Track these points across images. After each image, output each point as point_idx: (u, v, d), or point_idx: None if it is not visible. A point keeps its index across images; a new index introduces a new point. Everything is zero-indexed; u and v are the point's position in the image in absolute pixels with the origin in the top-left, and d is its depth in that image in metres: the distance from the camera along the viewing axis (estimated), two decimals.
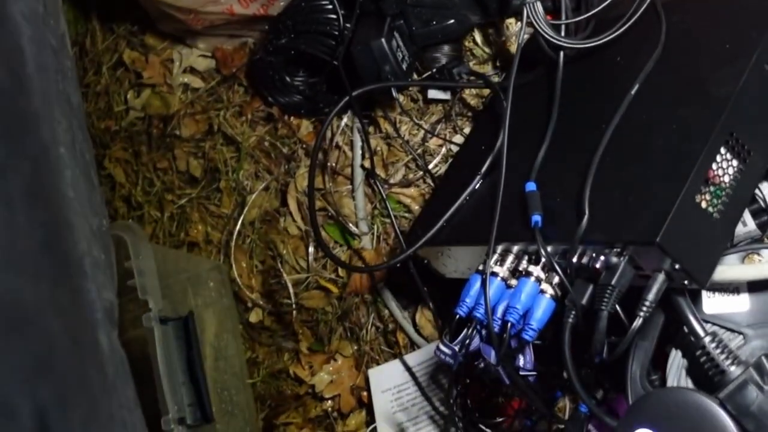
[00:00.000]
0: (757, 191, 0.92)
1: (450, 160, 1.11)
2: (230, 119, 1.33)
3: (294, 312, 1.25)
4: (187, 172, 1.36)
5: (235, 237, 1.30)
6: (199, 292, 1.28)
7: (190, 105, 1.38)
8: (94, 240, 0.83)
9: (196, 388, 1.10)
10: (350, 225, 1.19)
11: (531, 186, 0.85)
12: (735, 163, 0.76)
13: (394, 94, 1.14)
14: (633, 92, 0.84)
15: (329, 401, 1.21)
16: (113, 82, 1.45)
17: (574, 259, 0.79)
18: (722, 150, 0.76)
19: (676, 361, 0.81)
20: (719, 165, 0.75)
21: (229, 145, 1.33)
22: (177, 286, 1.27)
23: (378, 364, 1.16)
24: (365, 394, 1.17)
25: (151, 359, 1.08)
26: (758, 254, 0.82)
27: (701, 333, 0.78)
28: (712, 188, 0.75)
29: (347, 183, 1.21)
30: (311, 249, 1.24)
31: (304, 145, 1.26)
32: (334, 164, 1.22)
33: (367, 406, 1.16)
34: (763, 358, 0.74)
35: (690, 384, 0.80)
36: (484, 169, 0.93)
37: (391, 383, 1.12)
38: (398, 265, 1.03)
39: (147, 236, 1.32)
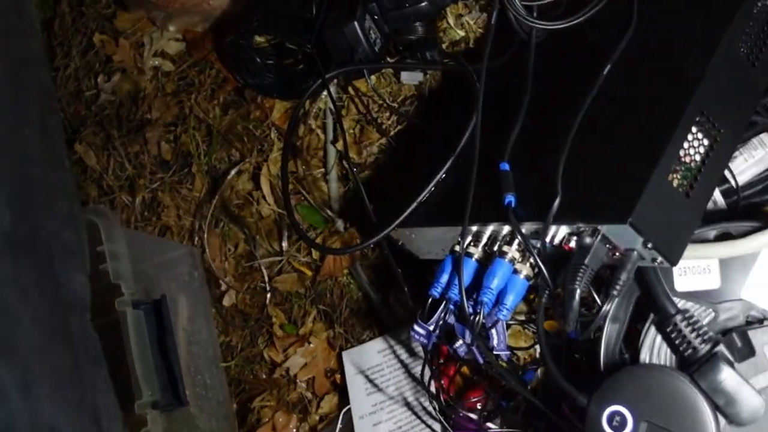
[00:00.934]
0: (727, 171, 0.92)
1: (422, 141, 1.11)
2: (202, 102, 1.32)
3: (268, 295, 1.24)
4: (159, 156, 1.35)
5: (207, 221, 1.29)
6: (172, 277, 1.27)
7: (162, 88, 1.37)
8: (65, 222, 0.82)
9: (169, 372, 1.09)
10: (324, 207, 1.19)
11: (504, 166, 0.85)
12: (706, 142, 0.77)
13: (367, 76, 1.14)
14: (605, 72, 0.85)
15: (303, 384, 1.21)
16: (83, 65, 1.44)
17: (548, 239, 0.79)
18: (693, 129, 0.76)
19: (648, 338, 0.82)
20: (690, 144, 0.76)
21: (201, 128, 1.32)
22: (150, 271, 1.26)
23: (352, 346, 1.16)
24: (339, 376, 1.17)
25: (124, 343, 1.07)
26: (728, 232, 0.82)
27: (672, 310, 0.79)
28: (683, 167, 0.76)
29: (320, 166, 1.21)
30: (285, 232, 1.23)
31: (277, 128, 1.25)
32: (307, 147, 1.21)
33: (342, 389, 1.16)
34: (734, 335, 0.75)
35: (662, 361, 0.81)
36: (458, 150, 0.93)
37: (365, 365, 1.12)
38: (372, 246, 1.04)
39: (119, 220, 1.31)
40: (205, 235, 1.29)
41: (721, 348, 0.75)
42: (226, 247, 1.28)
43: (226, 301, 1.28)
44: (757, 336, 0.75)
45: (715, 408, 0.72)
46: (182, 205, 1.32)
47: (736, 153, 0.93)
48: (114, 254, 1.08)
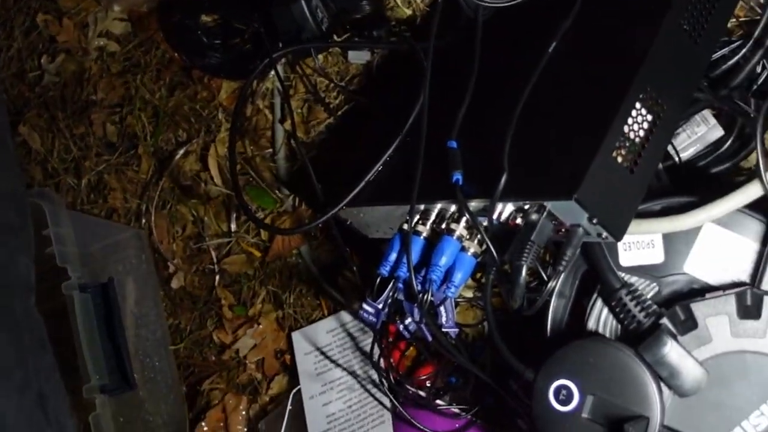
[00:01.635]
0: (671, 147, 0.94)
1: (370, 120, 1.11)
2: (148, 83, 1.30)
3: (217, 277, 1.24)
4: (105, 138, 1.34)
5: (155, 203, 1.28)
6: (119, 259, 1.26)
7: (107, 69, 1.35)
8: (8, 203, 0.81)
9: (117, 356, 1.08)
10: (272, 188, 1.19)
11: (452, 144, 0.86)
12: (650, 118, 0.78)
13: (314, 55, 1.13)
14: (550, 50, 0.85)
15: (253, 365, 1.20)
16: (26, 46, 1.42)
17: (495, 216, 0.80)
18: (637, 105, 0.77)
19: (594, 312, 0.83)
20: (634, 120, 0.77)
21: (147, 109, 1.30)
22: (97, 254, 1.25)
23: (302, 326, 1.15)
24: (289, 357, 1.17)
25: (72, 327, 1.06)
26: (672, 207, 0.83)
27: (617, 285, 0.80)
28: (627, 143, 0.76)
29: (269, 146, 1.20)
30: (233, 213, 1.23)
31: (224, 109, 1.24)
32: (255, 127, 1.21)
33: (292, 369, 1.16)
34: (677, 308, 0.76)
35: (607, 335, 0.82)
36: (405, 129, 0.93)
37: (314, 345, 1.12)
38: (320, 226, 1.03)
39: (64, 203, 1.29)
40: (152, 217, 1.28)
41: (665, 321, 0.77)
42: (173, 228, 1.27)
43: (175, 284, 1.27)
44: (699, 309, 0.76)
45: (659, 380, 0.74)
46: (129, 187, 1.31)
47: (680, 130, 0.94)
48: (60, 237, 1.07)
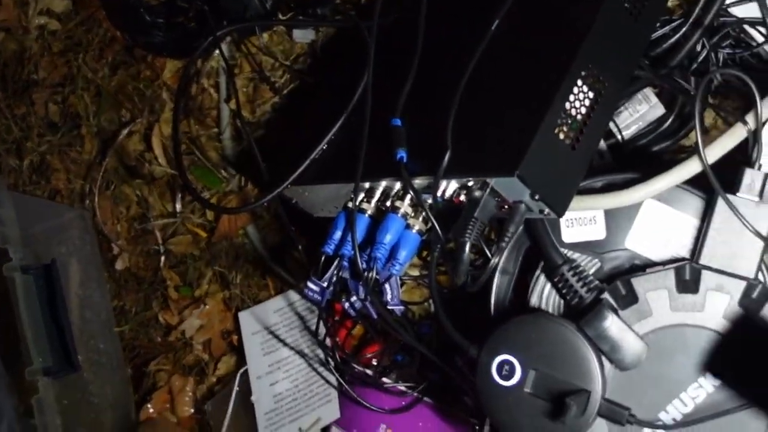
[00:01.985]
0: (613, 125, 0.95)
1: (316, 99, 1.10)
2: (90, 62, 1.28)
3: (162, 258, 1.23)
4: (47, 118, 1.32)
5: (98, 183, 1.26)
6: (63, 241, 1.24)
7: (48, 48, 1.33)
8: None
9: (60, 338, 1.07)
10: (218, 168, 1.18)
11: (396, 122, 0.86)
12: (591, 95, 0.78)
13: (259, 33, 1.13)
14: (493, 27, 0.85)
15: (200, 346, 1.20)
16: None
17: (439, 193, 0.80)
18: (579, 83, 0.78)
19: (537, 288, 0.83)
20: (576, 97, 0.77)
21: (89, 88, 1.29)
22: (39, 235, 1.23)
23: (249, 306, 1.15)
24: (236, 337, 1.16)
25: (14, 309, 1.05)
26: (613, 184, 0.84)
27: (560, 261, 0.81)
28: (569, 120, 0.77)
29: (214, 125, 1.19)
30: (178, 193, 1.22)
31: (168, 88, 1.23)
32: (199, 106, 1.20)
33: (239, 350, 1.15)
34: (618, 283, 0.77)
35: (550, 310, 0.83)
36: (350, 107, 0.93)
37: (261, 325, 1.12)
38: (266, 205, 1.03)
39: (6, 184, 1.27)
40: (96, 198, 1.26)
41: (606, 296, 0.78)
42: (118, 209, 1.26)
43: (119, 265, 1.25)
44: (640, 283, 0.77)
45: (600, 354, 0.75)
46: (72, 167, 1.29)
47: (622, 108, 0.95)
48: (1, 219, 1.06)
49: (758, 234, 0.76)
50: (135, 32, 1.22)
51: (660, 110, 0.95)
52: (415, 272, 1.05)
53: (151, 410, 1.20)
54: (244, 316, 1.14)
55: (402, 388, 1.01)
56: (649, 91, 0.96)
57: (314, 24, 1.11)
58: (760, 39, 0.91)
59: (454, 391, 1.01)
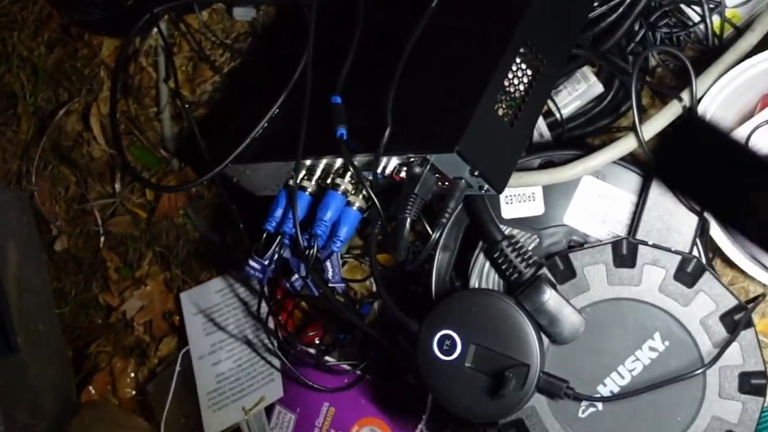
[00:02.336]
0: (552, 104, 0.96)
1: (256, 77, 1.10)
2: (26, 40, 1.26)
3: (102, 238, 1.21)
4: None
5: (35, 164, 1.24)
6: (0, 222, 1.22)
7: None
8: None
9: None
10: (157, 147, 1.17)
11: (336, 99, 0.85)
12: (529, 72, 0.79)
13: (198, 11, 1.11)
14: (433, 5, 0.85)
15: (141, 327, 1.19)
16: None
17: (379, 170, 0.80)
18: (518, 60, 0.78)
19: (477, 265, 0.84)
20: (515, 74, 0.78)
21: (25, 67, 1.26)
22: None
23: (190, 287, 1.14)
24: (178, 318, 1.15)
25: None
26: (552, 160, 0.85)
27: (499, 237, 0.81)
28: (508, 97, 0.77)
29: (153, 105, 1.18)
30: (118, 173, 1.20)
31: (106, 67, 1.21)
32: (138, 85, 1.18)
33: (180, 330, 1.15)
34: (556, 258, 0.78)
35: (491, 286, 0.83)
36: (290, 85, 0.93)
37: (203, 305, 1.11)
38: (207, 184, 1.02)
39: None
40: (34, 179, 1.24)
41: (545, 271, 0.78)
42: (56, 190, 1.24)
43: (58, 246, 1.24)
44: (577, 258, 0.78)
45: (539, 328, 0.75)
46: (8, 147, 1.27)
47: (561, 87, 0.96)
48: None
49: (693, 209, 0.78)
50: (72, 10, 1.20)
51: (598, 89, 0.97)
52: (359, 251, 1.05)
53: (93, 392, 1.19)
54: (185, 297, 1.13)
55: (345, 366, 1.02)
56: (587, 70, 0.97)
57: (254, 2, 1.10)
58: (696, 18, 0.92)
59: (397, 369, 1.01)
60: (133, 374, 1.19)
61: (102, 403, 1.19)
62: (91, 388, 1.19)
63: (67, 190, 1.24)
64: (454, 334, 0.76)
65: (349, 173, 0.83)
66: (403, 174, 0.79)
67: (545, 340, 0.76)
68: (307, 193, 0.86)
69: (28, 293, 1.21)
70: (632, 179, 0.83)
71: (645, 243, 0.77)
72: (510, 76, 0.78)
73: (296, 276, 0.87)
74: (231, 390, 1.08)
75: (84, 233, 1.23)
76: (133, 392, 1.19)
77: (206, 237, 1.14)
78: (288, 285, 0.89)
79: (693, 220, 0.78)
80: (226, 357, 1.09)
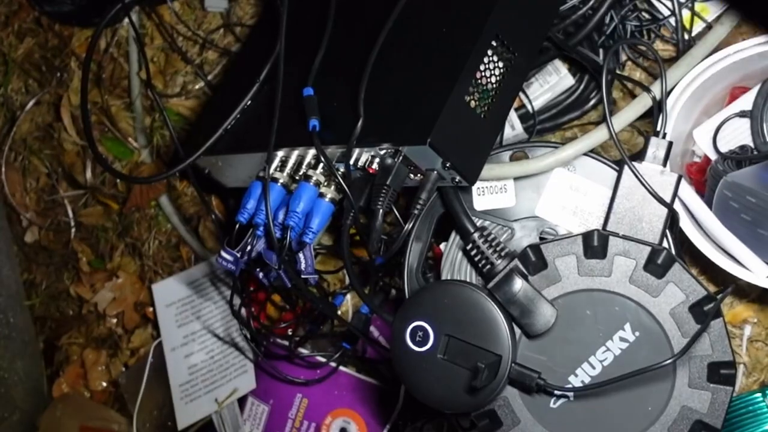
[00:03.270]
0: (523, 96, 0.96)
1: (229, 68, 1.09)
2: None
3: (73, 230, 1.21)
4: None
5: (5, 155, 1.23)
6: None
7: None
8: None
9: None
10: (128, 139, 1.16)
11: (308, 91, 0.85)
12: (501, 65, 0.79)
13: (169, 2, 1.11)
14: None
15: (113, 319, 1.18)
16: None
17: (351, 162, 0.80)
18: (489, 52, 0.79)
19: (450, 257, 0.84)
20: (486, 67, 0.78)
21: None
22: None
23: (163, 278, 1.14)
24: (150, 309, 1.15)
25: None
26: (523, 153, 0.86)
27: (471, 228, 0.82)
28: (480, 90, 0.78)
29: (125, 96, 1.17)
30: (89, 164, 1.19)
31: (77, 57, 1.21)
32: (109, 77, 1.17)
33: (153, 322, 1.14)
34: (528, 250, 0.78)
35: (463, 277, 0.84)
36: (262, 76, 0.93)
37: (175, 297, 1.11)
38: (178, 176, 1.02)
39: None
40: (3, 170, 1.23)
41: (516, 263, 0.79)
42: (26, 181, 1.23)
43: (29, 238, 1.23)
44: (548, 249, 0.78)
45: (511, 319, 0.76)
46: None
47: (532, 79, 0.97)
48: None
49: (662, 201, 0.78)
50: (42, 0, 1.19)
51: (569, 81, 0.97)
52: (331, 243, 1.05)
53: (64, 385, 1.19)
54: (157, 288, 1.13)
55: (319, 358, 1.02)
56: (559, 63, 0.97)
57: None
58: (666, 12, 0.93)
59: (370, 360, 1.02)
60: (105, 366, 1.18)
61: (74, 395, 1.18)
62: (62, 380, 1.19)
63: (38, 181, 1.23)
64: (427, 326, 0.76)
65: (321, 165, 0.83)
66: (375, 165, 0.79)
67: (517, 331, 0.77)
68: (279, 184, 0.86)
69: None
70: (603, 171, 0.84)
71: (616, 234, 0.78)
72: (482, 68, 0.78)
73: (269, 267, 0.87)
74: (204, 382, 1.08)
75: (55, 225, 1.22)
76: (105, 384, 1.18)
77: (178, 228, 1.14)
78: (261, 276, 0.89)
79: (663, 212, 0.79)
80: (198, 349, 1.09)
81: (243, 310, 1.00)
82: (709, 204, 0.83)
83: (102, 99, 1.17)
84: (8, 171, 1.23)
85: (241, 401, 1.06)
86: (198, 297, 1.10)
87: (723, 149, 0.87)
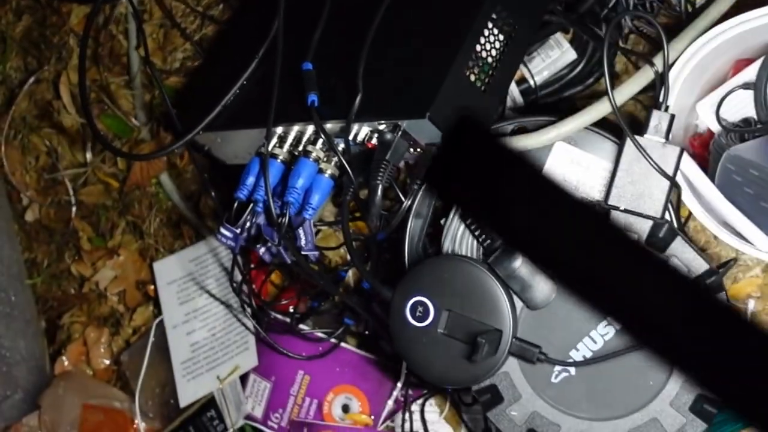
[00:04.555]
0: (525, 71, 0.95)
1: (228, 44, 1.08)
2: None
3: (73, 208, 1.20)
4: None
5: (5, 133, 1.23)
6: None
7: None
8: None
9: None
10: (129, 116, 1.16)
11: (307, 66, 0.85)
12: (501, 38, 0.79)
13: None
14: None
15: (114, 297, 1.18)
16: None
17: (351, 137, 0.80)
18: (489, 25, 0.78)
19: (450, 232, 0.84)
20: (487, 40, 0.78)
21: None
22: None
23: (164, 256, 1.14)
24: (152, 287, 1.15)
25: None
26: (525, 127, 0.85)
27: None
28: (480, 63, 0.77)
29: (124, 73, 1.17)
30: (89, 142, 1.19)
31: (75, 34, 1.20)
32: (109, 53, 1.17)
33: (155, 300, 1.14)
34: None
35: (464, 252, 0.83)
36: (261, 51, 0.92)
37: (176, 275, 1.11)
38: (178, 153, 1.01)
39: None
40: (3, 148, 1.23)
41: None
42: (26, 159, 1.23)
43: (29, 216, 1.23)
44: None
45: (512, 294, 0.76)
46: None
47: (534, 53, 0.96)
48: None
49: (665, 174, 0.78)
50: None
51: (572, 55, 0.96)
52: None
53: (66, 363, 1.19)
54: (158, 266, 1.13)
55: (319, 334, 1.01)
56: (560, 37, 0.96)
57: None
58: None
59: (371, 336, 1.01)
60: (107, 344, 1.18)
61: (76, 373, 1.18)
62: (64, 358, 1.18)
63: (38, 159, 1.22)
64: (427, 301, 0.76)
65: (320, 140, 0.82)
66: (375, 141, 0.79)
67: (518, 305, 0.76)
68: (278, 160, 0.86)
69: None
70: (605, 145, 0.83)
71: (617, 208, 0.77)
72: (482, 41, 0.77)
73: (269, 243, 0.86)
74: (205, 359, 1.08)
75: (55, 203, 1.22)
76: (107, 362, 1.18)
77: (179, 205, 1.13)
78: (261, 252, 0.89)
79: (665, 184, 0.78)
80: (200, 326, 1.09)
81: (244, 287, 1.00)
82: (712, 178, 0.82)
83: (101, 76, 1.17)
84: (8, 149, 1.23)
85: (243, 378, 1.06)
86: (199, 274, 1.10)
87: (726, 122, 0.86)
